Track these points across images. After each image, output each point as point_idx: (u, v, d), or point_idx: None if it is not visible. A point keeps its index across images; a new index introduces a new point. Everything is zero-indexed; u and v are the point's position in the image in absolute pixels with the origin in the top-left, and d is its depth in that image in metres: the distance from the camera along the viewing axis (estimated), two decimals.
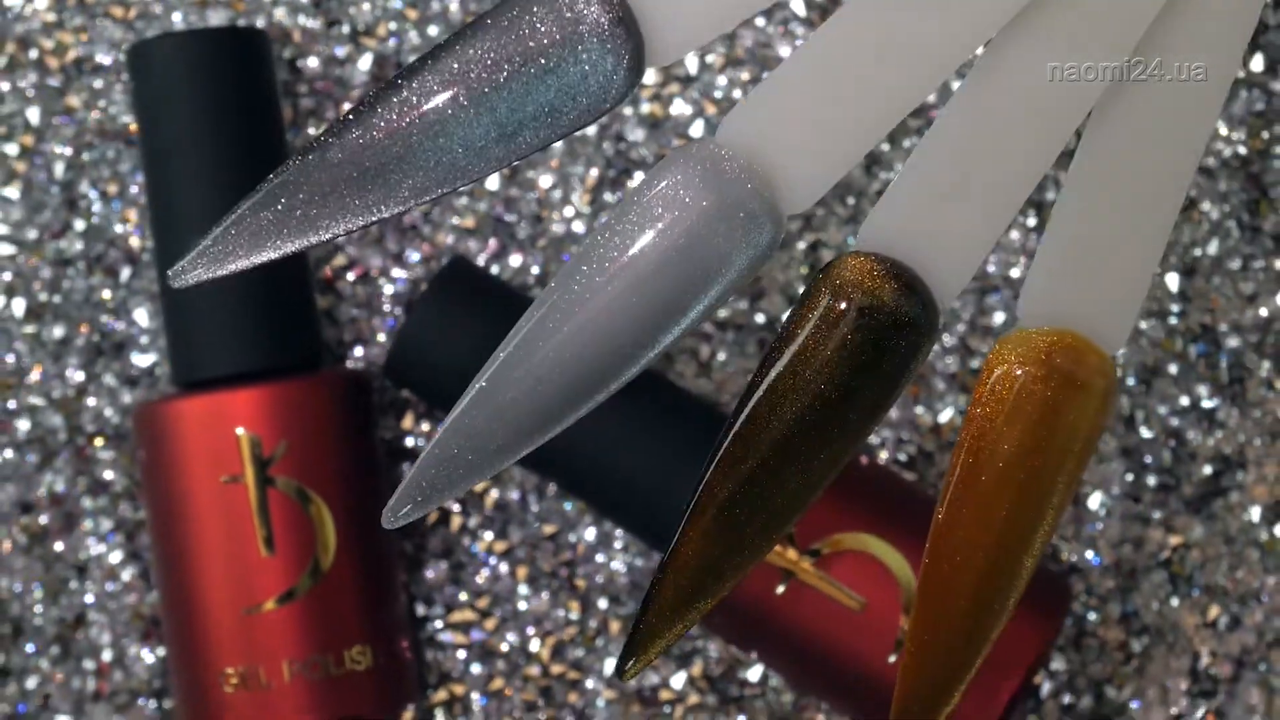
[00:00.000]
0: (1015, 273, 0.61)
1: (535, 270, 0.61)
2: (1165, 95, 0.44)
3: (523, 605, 0.61)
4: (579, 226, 0.61)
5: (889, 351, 0.42)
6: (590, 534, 0.61)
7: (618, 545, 0.61)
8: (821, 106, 0.43)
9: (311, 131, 0.61)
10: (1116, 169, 0.44)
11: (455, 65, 0.41)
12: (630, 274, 0.41)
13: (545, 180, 0.61)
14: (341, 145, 0.41)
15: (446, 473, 0.42)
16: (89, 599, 0.61)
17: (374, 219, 0.41)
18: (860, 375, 0.42)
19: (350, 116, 0.41)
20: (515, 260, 0.61)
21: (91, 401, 0.61)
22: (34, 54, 0.61)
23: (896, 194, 0.43)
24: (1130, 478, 0.61)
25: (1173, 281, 0.61)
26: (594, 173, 0.61)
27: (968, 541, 0.43)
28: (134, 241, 0.61)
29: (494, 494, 0.61)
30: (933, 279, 0.43)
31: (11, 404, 0.61)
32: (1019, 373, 0.43)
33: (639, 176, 0.61)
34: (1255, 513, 0.61)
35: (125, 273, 0.61)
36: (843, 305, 0.42)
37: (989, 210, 0.43)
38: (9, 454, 0.61)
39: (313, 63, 0.62)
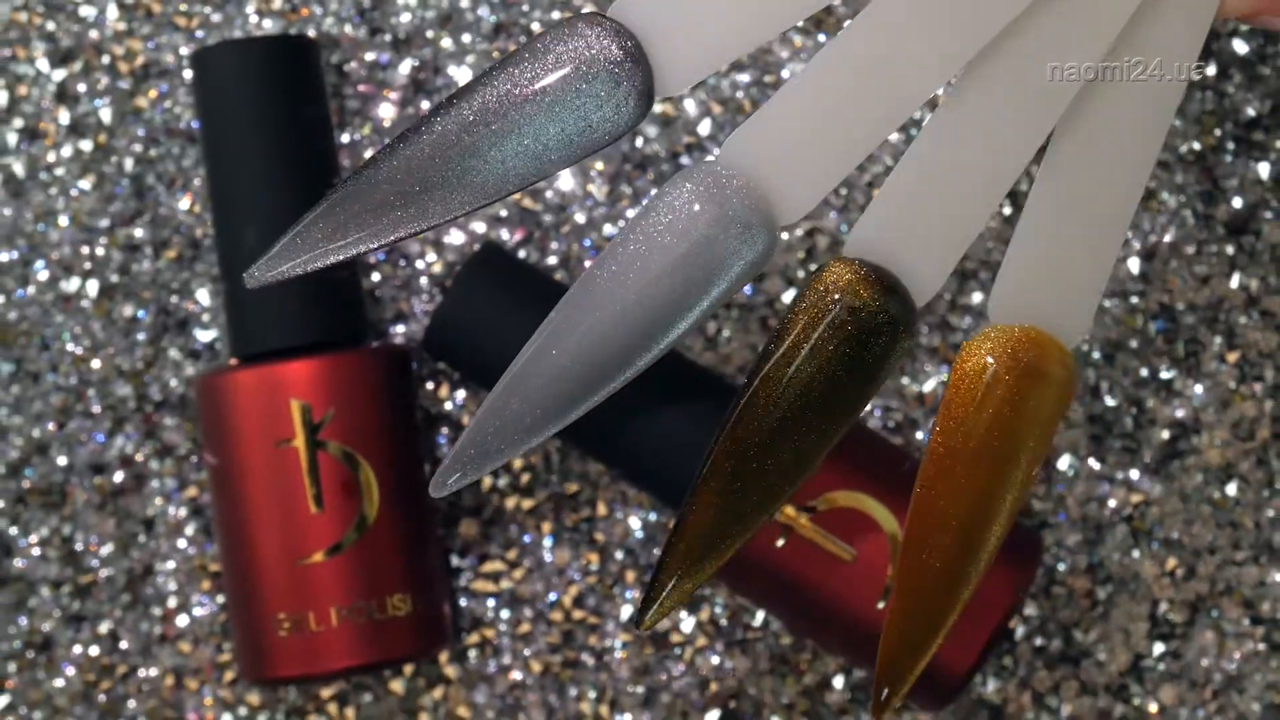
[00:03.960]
0: (996, 256, 0.61)
1: (557, 255, 0.62)
2: (1122, 104, 0.44)
3: (547, 557, 0.61)
4: (598, 214, 0.62)
5: (871, 347, 0.43)
6: (608, 493, 0.61)
7: (633, 503, 0.62)
8: (812, 130, 0.44)
9: (354, 129, 0.61)
10: (1074, 176, 0.44)
11: (485, 97, 0.42)
12: (642, 278, 0.43)
13: (567, 173, 0.61)
14: (388, 167, 0.42)
15: (485, 447, 0.43)
16: (156, 552, 0.61)
17: (415, 231, 0.42)
18: (846, 368, 0.43)
19: (395, 142, 0.42)
20: (540, 245, 0.62)
21: (158, 373, 0.62)
22: (106, 59, 0.61)
23: (879, 203, 0.44)
24: (1095, 442, 0.61)
25: (1134, 265, 0.61)
26: (611, 167, 0.61)
27: (943, 512, 0.44)
28: (196, 229, 0.61)
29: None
30: (911, 279, 0.44)
31: (86, 375, 0.61)
32: (988, 365, 0.44)
33: (651, 171, 0.62)
34: (1208, 474, 0.62)
35: (188, 257, 0.61)
36: (829, 307, 0.43)
37: (962, 215, 0.44)
38: (85, 420, 0.61)
39: (357, 67, 0.62)
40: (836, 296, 0.43)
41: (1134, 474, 0.62)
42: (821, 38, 0.62)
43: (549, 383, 0.43)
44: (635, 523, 0.61)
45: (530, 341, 0.43)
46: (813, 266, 0.61)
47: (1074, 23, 0.43)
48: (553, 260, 0.61)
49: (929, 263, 0.44)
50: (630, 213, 0.61)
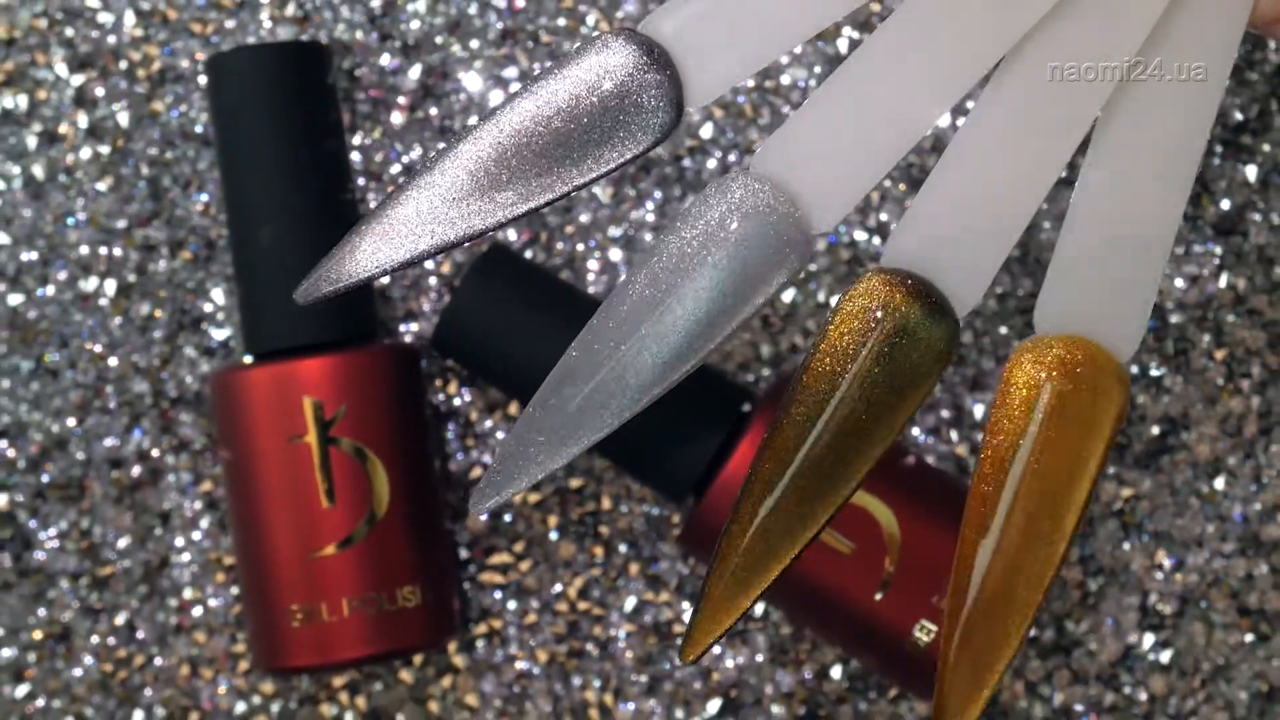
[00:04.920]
0: None
1: (562, 256, 0.62)
2: (1162, 106, 0.43)
3: (553, 550, 0.62)
4: (602, 215, 0.62)
5: (914, 360, 0.42)
6: (613, 488, 0.62)
7: (636, 498, 0.62)
8: (840, 141, 0.43)
9: (365, 133, 0.62)
10: (1120, 185, 0.43)
11: (519, 115, 0.43)
12: (677, 291, 0.43)
13: None
14: (441, 169, 0.43)
15: (521, 463, 0.43)
16: (172, 544, 0.61)
17: (450, 244, 0.43)
18: (888, 381, 0.42)
19: (436, 158, 0.43)
20: (546, 246, 0.62)
21: (174, 370, 0.62)
22: (124, 65, 0.62)
23: (917, 213, 0.43)
24: None
25: None
26: None
27: (995, 539, 0.42)
28: (211, 230, 0.62)
29: None
30: (952, 291, 0.43)
31: (104, 372, 0.62)
32: (1039, 379, 0.42)
33: (654, 174, 0.62)
34: (1197, 468, 0.62)
35: (203, 257, 0.62)
36: (871, 321, 0.42)
37: (1001, 224, 0.43)
38: (102, 416, 0.61)
39: (368, 72, 0.62)
40: (879, 313, 0.42)
41: (1125, 469, 0.62)
42: (820, 43, 0.62)
43: (580, 397, 0.43)
44: (638, 516, 0.62)
45: (564, 357, 0.43)
46: (813, 266, 0.62)
47: (1101, 26, 0.43)
48: (558, 261, 0.62)
49: (969, 273, 0.43)
50: (634, 214, 0.62)
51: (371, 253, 0.43)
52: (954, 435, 0.62)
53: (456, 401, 0.62)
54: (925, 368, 0.42)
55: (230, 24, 0.62)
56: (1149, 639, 0.62)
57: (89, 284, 0.62)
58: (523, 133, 0.42)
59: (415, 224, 0.43)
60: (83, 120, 0.62)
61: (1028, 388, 0.42)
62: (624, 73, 0.43)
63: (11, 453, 0.62)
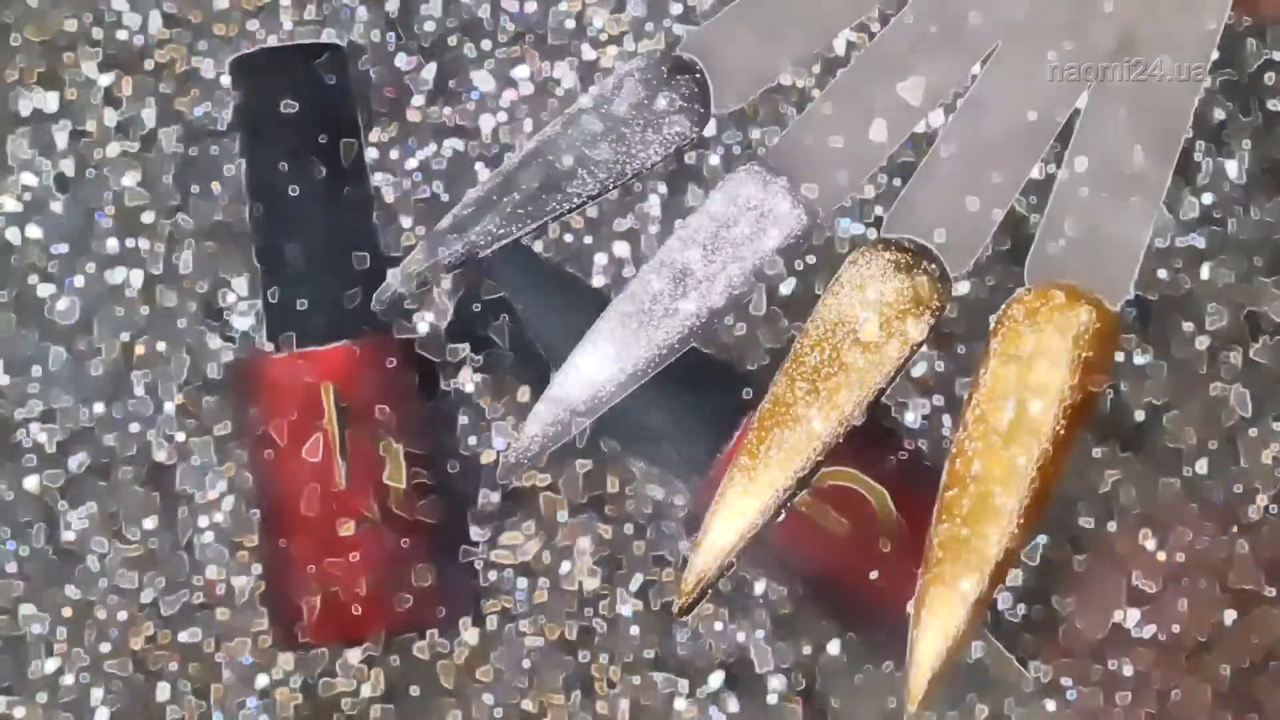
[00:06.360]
0: None
1: (570, 249, 0.62)
2: (1153, 86, 0.44)
3: (562, 531, 0.62)
4: (608, 209, 0.62)
5: (910, 320, 0.44)
6: (620, 470, 0.62)
7: (643, 480, 0.62)
8: (845, 132, 0.46)
9: (382, 129, 0.62)
10: (1110, 147, 0.44)
11: (583, 124, 0.47)
12: (708, 262, 0.46)
13: None
14: (503, 177, 0.48)
15: (547, 433, 0.46)
16: (196, 525, 0.62)
17: (524, 230, 0.47)
18: (884, 338, 0.44)
19: (513, 160, 0.47)
20: (555, 237, 0.62)
21: (198, 359, 0.62)
22: (149, 65, 0.62)
23: (915, 189, 0.45)
24: None
25: None
26: None
27: (983, 470, 0.44)
28: (234, 224, 0.62)
29: None
30: (947, 257, 0.45)
31: (131, 360, 0.62)
32: (1020, 315, 0.43)
33: (658, 169, 0.61)
34: (1179, 452, 0.61)
35: (227, 250, 0.62)
36: (871, 282, 0.44)
37: (991, 196, 0.45)
38: (130, 403, 0.62)
39: (384, 72, 0.62)
40: (877, 274, 0.44)
41: (1111, 451, 0.61)
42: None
43: (604, 362, 0.46)
44: (645, 499, 0.62)
45: (588, 335, 0.46)
46: (810, 259, 0.60)
47: (1080, 20, 0.44)
48: (567, 254, 0.62)
49: (962, 241, 0.45)
50: (638, 207, 0.62)
51: (442, 246, 0.45)
52: (946, 421, 0.61)
53: (469, 388, 0.62)
54: (921, 323, 0.44)
55: (252, 25, 0.62)
56: (1134, 616, 0.61)
57: (116, 276, 0.62)
58: (575, 132, 0.47)
59: (485, 220, 0.47)
60: (110, 118, 0.62)
61: (1014, 331, 0.44)
62: (662, 82, 0.46)
63: (43, 437, 0.62)
